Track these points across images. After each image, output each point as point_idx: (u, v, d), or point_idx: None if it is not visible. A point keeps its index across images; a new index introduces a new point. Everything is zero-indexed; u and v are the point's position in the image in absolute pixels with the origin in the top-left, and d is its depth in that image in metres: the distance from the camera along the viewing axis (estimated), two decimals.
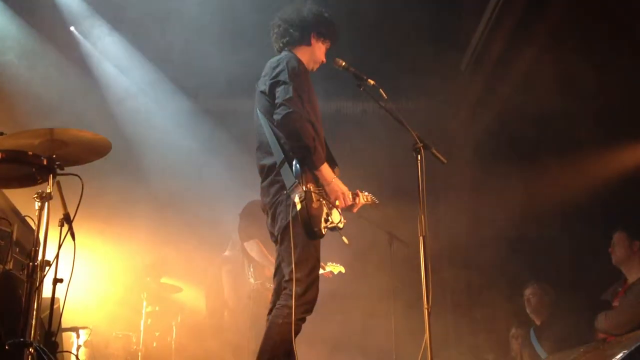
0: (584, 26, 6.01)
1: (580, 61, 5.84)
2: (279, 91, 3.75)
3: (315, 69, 4.16)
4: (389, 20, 6.71)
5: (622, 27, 5.65)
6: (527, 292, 6.40)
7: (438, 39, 6.80)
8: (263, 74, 3.98)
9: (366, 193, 4.20)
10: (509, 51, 6.77)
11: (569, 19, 6.11)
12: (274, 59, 3.97)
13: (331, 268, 5.80)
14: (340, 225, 3.83)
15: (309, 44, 4.08)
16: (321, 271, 5.47)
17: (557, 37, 6.26)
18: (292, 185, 3.64)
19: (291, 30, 4.07)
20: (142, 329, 6.45)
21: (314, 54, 4.11)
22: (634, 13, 5.54)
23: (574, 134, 6.27)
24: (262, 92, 3.92)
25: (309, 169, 3.70)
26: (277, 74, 3.81)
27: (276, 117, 3.70)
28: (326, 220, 3.68)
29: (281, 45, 4.10)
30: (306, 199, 3.57)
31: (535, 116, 6.61)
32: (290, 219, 3.61)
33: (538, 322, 6.32)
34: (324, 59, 4.16)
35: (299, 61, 3.94)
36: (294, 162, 3.67)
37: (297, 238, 3.61)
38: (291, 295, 3.55)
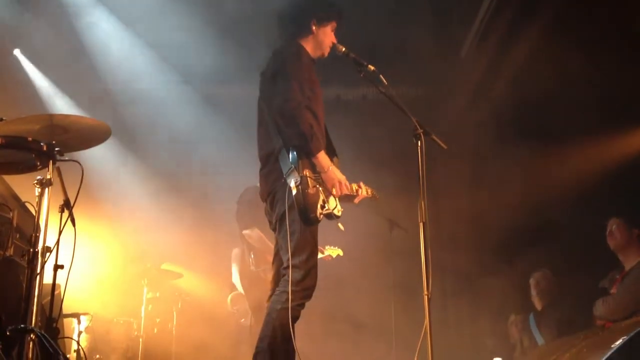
0: (585, 14, 5.99)
1: (581, 48, 5.82)
2: (280, 79, 3.78)
3: (326, 54, 4.14)
4: (389, 6, 6.67)
5: (624, 15, 5.63)
6: (538, 275, 6.40)
7: (438, 25, 6.77)
8: (267, 62, 3.99)
9: (369, 188, 4.20)
10: (509, 38, 6.75)
11: (569, 6, 6.09)
12: (278, 48, 4.00)
13: (330, 251, 5.80)
14: (337, 213, 3.82)
15: (310, 32, 4.08)
16: (320, 255, 5.48)
17: (558, 25, 6.24)
18: (288, 171, 3.65)
19: (290, 24, 4.09)
20: (142, 315, 6.47)
21: (319, 40, 4.09)
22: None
23: (574, 121, 6.26)
24: (264, 79, 3.96)
25: (306, 156, 3.71)
26: (280, 63, 3.85)
27: (274, 104, 3.72)
28: (322, 207, 3.69)
29: (284, 38, 4.11)
30: (302, 184, 3.59)
31: (536, 103, 6.60)
32: (287, 206, 3.62)
33: (539, 308, 6.33)
34: (334, 40, 4.14)
35: (303, 50, 3.95)
36: (291, 149, 3.68)
37: (294, 225, 3.63)
38: (290, 282, 3.56)
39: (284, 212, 3.65)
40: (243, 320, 6.68)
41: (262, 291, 5.45)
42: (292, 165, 3.64)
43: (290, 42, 4.03)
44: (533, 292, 6.42)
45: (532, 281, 6.44)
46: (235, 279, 6.80)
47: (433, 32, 6.87)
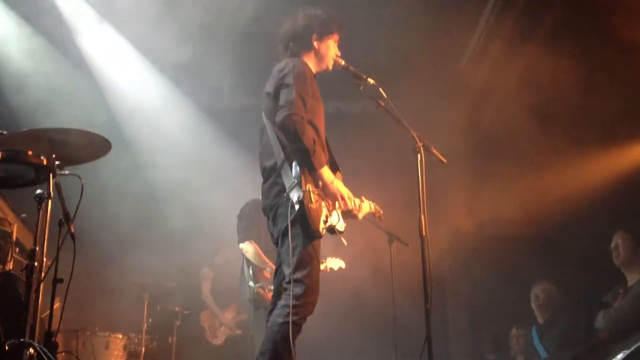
0: (585, 24, 6.00)
1: (583, 58, 5.83)
2: (283, 94, 3.79)
3: (331, 66, 4.17)
4: (388, 17, 6.69)
5: (622, 26, 5.63)
6: (537, 289, 6.35)
7: (438, 35, 6.78)
8: (270, 77, 4.01)
9: (373, 203, 4.20)
10: (509, 49, 6.76)
11: (570, 16, 6.11)
12: (281, 63, 4.03)
13: (331, 263, 5.78)
14: (340, 228, 3.82)
15: (312, 48, 4.11)
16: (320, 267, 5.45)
17: (560, 35, 6.25)
18: (291, 186, 3.66)
19: (291, 44, 4.13)
20: (143, 329, 6.45)
21: (322, 54, 4.13)
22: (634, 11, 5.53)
23: (575, 132, 6.26)
24: (267, 93, 3.97)
25: (309, 171, 3.71)
26: (283, 77, 3.86)
27: (277, 118, 3.73)
28: (325, 222, 3.69)
29: (287, 55, 4.14)
30: (305, 199, 3.59)
31: (537, 114, 6.60)
32: (289, 221, 3.62)
33: (541, 321, 6.29)
34: (338, 52, 4.18)
35: (305, 66, 3.97)
36: (294, 164, 3.69)
37: (297, 239, 3.63)
38: (292, 296, 3.56)
39: (287, 226, 3.64)
40: (213, 340, 6.73)
41: (261, 307, 5.47)
42: (295, 180, 3.65)
43: (292, 58, 4.04)
44: (533, 305, 6.38)
45: (532, 295, 6.40)
46: (205, 295, 6.93)
47: (433, 42, 6.88)
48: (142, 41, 7.28)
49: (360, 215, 4.09)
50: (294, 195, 3.62)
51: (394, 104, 3.93)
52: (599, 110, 6.05)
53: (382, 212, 4.31)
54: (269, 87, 3.95)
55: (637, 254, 5.36)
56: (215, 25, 6.71)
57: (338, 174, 4.00)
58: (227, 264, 7.25)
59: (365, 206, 4.11)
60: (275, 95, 3.85)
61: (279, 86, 3.85)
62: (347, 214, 3.95)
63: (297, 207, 3.59)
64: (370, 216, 4.28)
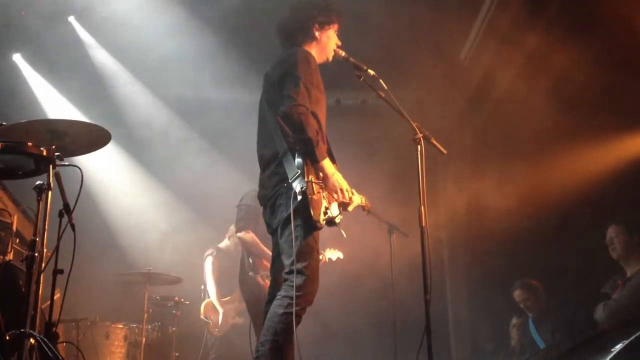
0: (585, 16, 5.99)
1: (585, 49, 5.81)
2: (288, 83, 3.76)
3: (331, 57, 4.16)
4: (387, 9, 6.67)
5: (622, 19, 5.62)
6: (517, 295, 6.35)
7: (437, 28, 6.76)
8: (273, 65, 3.99)
9: (362, 197, 4.21)
10: (509, 40, 6.75)
11: (569, 8, 6.09)
12: (286, 52, 4.01)
13: (329, 255, 5.80)
14: (337, 220, 3.81)
15: (314, 38, 4.10)
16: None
17: (557, 28, 6.24)
18: (294, 176, 3.64)
19: (293, 34, 4.11)
20: (143, 319, 6.46)
21: (323, 44, 4.12)
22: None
23: (575, 124, 6.25)
24: (270, 82, 3.94)
25: (310, 162, 3.71)
26: (288, 66, 3.84)
27: (282, 108, 3.70)
28: (325, 213, 3.68)
29: (289, 45, 4.12)
30: (307, 189, 3.58)
31: (535, 106, 6.60)
32: (292, 210, 3.61)
33: (535, 316, 6.29)
34: (338, 42, 4.18)
35: (310, 55, 3.95)
36: (296, 154, 3.68)
37: (298, 230, 3.62)
38: (292, 287, 3.56)
39: (288, 216, 3.64)
40: (217, 330, 6.75)
41: (261, 297, 5.47)
42: (299, 170, 3.64)
43: (296, 47, 4.03)
44: (521, 306, 6.37)
45: (517, 300, 6.39)
46: (210, 285, 6.92)
47: (433, 32, 6.86)
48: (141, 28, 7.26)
49: (350, 208, 4.09)
50: (297, 186, 3.61)
51: (394, 95, 3.93)
52: (602, 99, 6.04)
53: (370, 205, 4.31)
54: (274, 75, 3.92)
55: (633, 245, 5.37)
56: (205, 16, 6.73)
57: (335, 166, 4.00)
58: (231, 250, 7.25)
59: (357, 199, 4.11)
60: (279, 84, 3.82)
61: (284, 74, 3.81)
62: (341, 206, 3.95)
63: (299, 197, 3.59)
64: (360, 209, 4.28)
